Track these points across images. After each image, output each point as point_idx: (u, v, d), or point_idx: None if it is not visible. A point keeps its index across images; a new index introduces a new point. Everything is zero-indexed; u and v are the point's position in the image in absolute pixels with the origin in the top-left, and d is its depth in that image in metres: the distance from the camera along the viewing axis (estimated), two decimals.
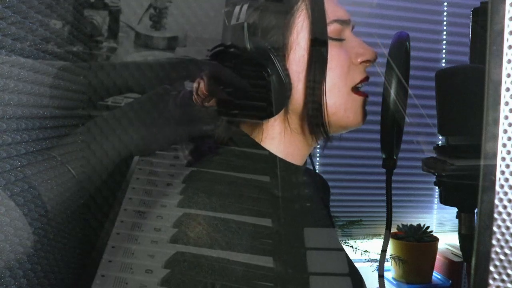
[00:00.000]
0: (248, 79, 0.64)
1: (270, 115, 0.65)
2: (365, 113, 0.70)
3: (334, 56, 0.66)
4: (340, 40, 0.67)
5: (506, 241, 0.38)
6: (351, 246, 1.85)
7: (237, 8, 0.66)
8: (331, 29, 0.66)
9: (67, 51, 0.77)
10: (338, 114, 0.67)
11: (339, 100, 0.67)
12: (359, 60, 0.68)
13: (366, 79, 0.69)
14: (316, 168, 0.84)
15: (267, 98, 0.63)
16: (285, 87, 0.64)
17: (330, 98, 0.66)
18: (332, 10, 0.67)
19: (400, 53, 0.66)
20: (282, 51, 0.65)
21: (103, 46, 0.89)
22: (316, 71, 0.65)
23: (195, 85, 0.71)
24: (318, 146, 0.77)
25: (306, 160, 0.75)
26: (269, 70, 0.62)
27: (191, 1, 0.93)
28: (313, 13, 0.65)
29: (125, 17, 0.92)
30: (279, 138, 0.69)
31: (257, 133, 0.70)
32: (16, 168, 0.60)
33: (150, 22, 0.93)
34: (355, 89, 0.68)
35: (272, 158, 0.69)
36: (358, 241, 1.89)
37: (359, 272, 0.77)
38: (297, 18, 0.66)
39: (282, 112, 0.67)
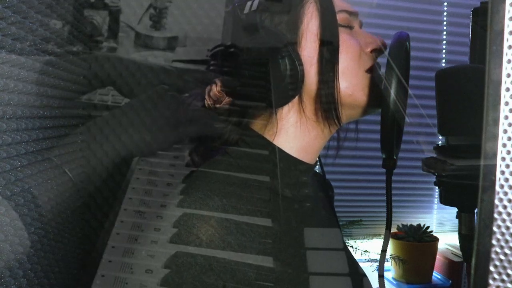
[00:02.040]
0: (262, 66, 0.66)
1: (286, 100, 0.67)
2: (380, 95, 0.70)
3: (346, 40, 0.68)
4: (349, 27, 0.70)
5: (506, 241, 0.38)
6: (351, 246, 1.85)
7: (249, 1, 0.69)
8: (340, 17, 0.68)
9: (67, 51, 0.77)
10: (355, 95, 0.68)
11: (354, 81, 0.68)
12: (369, 48, 0.70)
13: (377, 65, 0.71)
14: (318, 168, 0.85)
15: (282, 84, 0.65)
16: (299, 71, 0.65)
17: (344, 80, 0.67)
18: (340, 3, 0.70)
19: (400, 53, 0.66)
20: (293, 38, 0.67)
21: (103, 46, 0.89)
22: (328, 53, 0.66)
23: (207, 88, 0.72)
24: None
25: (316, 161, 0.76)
26: (282, 54, 0.64)
27: (191, 1, 0.93)
28: (322, 3, 0.68)
29: (125, 17, 0.92)
30: (294, 130, 0.69)
31: (270, 128, 0.70)
32: (16, 168, 0.60)
33: (150, 22, 0.93)
34: (369, 72, 0.70)
35: (282, 157, 0.69)
36: (358, 241, 1.89)
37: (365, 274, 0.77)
38: (307, 9, 0.68)
39: (296, 100, 0.68)
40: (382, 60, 0.70)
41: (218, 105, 0.71)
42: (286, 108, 0.69)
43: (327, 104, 0.67)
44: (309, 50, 0.67)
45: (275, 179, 0.67)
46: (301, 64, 0.65)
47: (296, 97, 0.68)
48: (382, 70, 0.68)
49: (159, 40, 0.92)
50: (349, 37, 0.68)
